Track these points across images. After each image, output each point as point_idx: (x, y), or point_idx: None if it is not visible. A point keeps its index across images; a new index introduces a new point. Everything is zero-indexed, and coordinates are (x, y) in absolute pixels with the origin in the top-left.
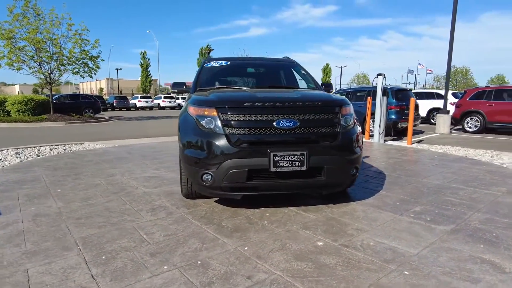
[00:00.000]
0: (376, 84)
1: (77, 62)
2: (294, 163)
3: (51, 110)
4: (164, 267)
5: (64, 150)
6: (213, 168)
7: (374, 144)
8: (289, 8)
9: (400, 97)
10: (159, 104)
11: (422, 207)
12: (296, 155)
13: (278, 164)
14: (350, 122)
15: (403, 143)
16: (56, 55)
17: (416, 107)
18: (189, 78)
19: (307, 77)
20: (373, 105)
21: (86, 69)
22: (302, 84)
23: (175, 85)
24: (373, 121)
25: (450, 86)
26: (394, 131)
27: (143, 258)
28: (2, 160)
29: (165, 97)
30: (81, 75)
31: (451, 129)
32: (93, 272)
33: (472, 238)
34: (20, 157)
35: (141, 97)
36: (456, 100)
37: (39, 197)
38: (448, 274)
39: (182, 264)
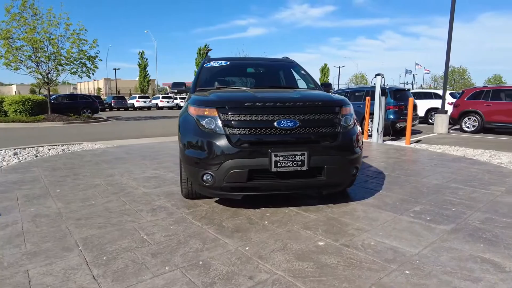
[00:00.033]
0: (375, 84)
1: (75, 62)
2: (295, 163)
3: (49, 110)
4: (166, 268)
5: (63, 150)
6: (213, 168)
7: (373, 144)
8: (287, 8)
9: (398, 97)
10: (157, 104)
11: (422, 207)
12: (297, 155)
13: (278, 164)
14: (350, 122)
15: (401, 143)
16: (54, 55)
17: (415, 107)
18: (187, 78)
19: (307, 77)
20: (372, 105)
21: (84, 69)
22: (302, 84)
23: (174, 85)
24: (372, 121)
25: (447, 86)
26: (393, 131)
27: (144, 259)
28: (0, 160)
29: (163, 97)
30: (79, 75)
31: (449, 129)
32: (94, 273)
33: (472, 237)
34: (18, 158)
35: (139, 97)
36: (454, 100)
37: (38, 197)
38: (449, 274)
39: (183, 264)
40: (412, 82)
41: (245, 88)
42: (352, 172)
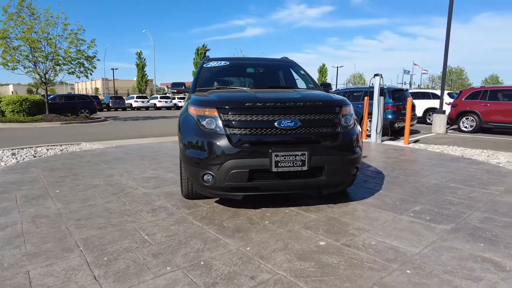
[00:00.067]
0: (373, 84)
1: (72, 62)
2: (295, 163)
3: (46, 111)
4: (167, 268)
5: (61, 150)
6: (214, 169)
7: (372, 144)
8: (284, 8)
9: (396, 97)
10: (155, 104)
11: (422, 207)
12: (297, 155)
13: (279, 164)
14: (351, 122)
15: (400, 143)
16: (52, 55)
17: (413, 107)
18: (185, 78)
19: (306, 78)
20: (370, 105)
21: (82, 69)
22: (301, 84)
23: (174, 85)
24: (370, 121)
25: (445, 86)
26: (391, 131)
27: (146, 259)
28: None
29: (161, 97)
30: (77, 75)
31: (447, 128)
32: (95, 274)
33: (472, 237)
34: (16, 158)
35: (137, 97)
36: (451, 100)
37: (37, 198)
38: (450, 273)
39: (185, 265)
40: (410, 82)
41: (245, 88)
42: (352, 172)
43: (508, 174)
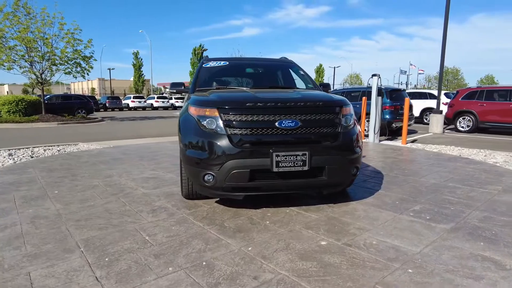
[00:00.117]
0: (371, 84)
1: (69, 62)
2: (296, 163)
3: (43, 111)
4: (169, 269)
5: (59, 151)
6: (215, 169)
7: (370, 144)
8: (282, 8)
9: (394, 97)
10: (152, 104)
11: (421, 206)
12: (298, 155)
13: (280, 164)
14: (351, 122)
15: (397, 143)
16: (48, 54)
17: (410, 107)
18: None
19: (306, 78)
20: (368, 105)
21: (78, 69)
22: (300, 84)
23: (173, 85)
24: (368, 121)
25: (441, 86)
26: (389, 131)
27: (147, 260)
28: None
29: (158, 97)
30: (73, 75)
31: (444, 128)
32: (97, 275)
33: (472, 236)
34: (14, 159)
35: (134, 97)
36: (448, 100)
37: (36, 199)
38: (451, 272)
39: (187, 265)
40: (407, 82)
41: (245, 88)
42: (352, 172)
43: (506, 174)
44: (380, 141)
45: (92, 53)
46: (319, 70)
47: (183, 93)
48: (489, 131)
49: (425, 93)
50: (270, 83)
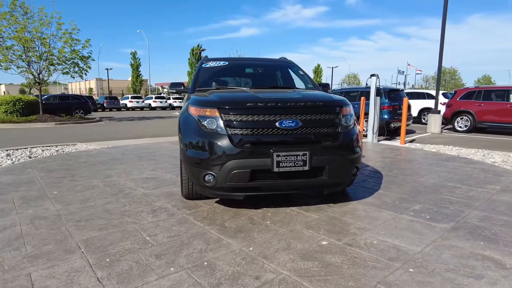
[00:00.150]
0: (369, 84)
1: (67, 62)
2: (297, 163)
3: (40, 111)
4: (171, 269)
5: (57, 151)
6: (215, 169)
7: (368, 144)
8: (279, 8)
9: (392, 97)
10: (150, 104)
11: (421, 206)
12: (299, 155)
13: (280, 164)
14: (351, 122)
15: (396, 143)
16: (46, 54)
17: (409, 107)
18: (180, 78)
19: (305, 78)
20: (367, 105)
21: (76, 69)
22: (300, 84)
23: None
24: (367, 121)
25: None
26: (387, 130)
27: (148, 260)
28: None
29: (156, 97)
30: (71, 75)
31: (442, 128)
32: (98, 275)
33: (472, 235)
34: (12, 159)
35: (132, 98)
36: (446, 100)
37: (35, 199)
38: (452, 271)
39: (188, 265)
40: (404, 82)
41: (245, 88)
42: (352, 172)
43: (504, 173)
44: (378, 141)
45: (90, 53)
46: (317, 70)
47: (182, 93)
48: (487, 131)
49: (423, 93)
50: (270, 83)
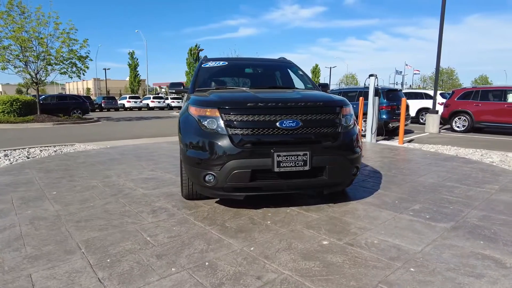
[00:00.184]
0: (367, 84)
1: (64, 62)
2: (297, 163)
3: (38, 111)
4: (172, 269)
5: (55, 151)
6: (216, 169)
7: (367, 143)
8: (278, 8)
9: (391, 97)
10: (148, 104)
11: (421, 205)
12: (299, 155)
13: (281, 164)
14: (351, 122)
15: (394, 143)
16: (43, 54)
17: (407, 107)
18: (178, 78)
19: (305, 78)
20: (365, 105)
21: (74, 69)
22: (299, 84)
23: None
24: (365, 121)
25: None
26: (385, 130)
27: (150, 261)
28: None
29: (154, 98)
30: (69, 75)
31: (440, 128)
32: (99, 276)
33: (472, 234)
34: (9, 159)
35: (129, 98)
36: (444, 100)
37: (34, 200)
38: (453, 270)
39: (190, 265)
40: (402, 82)
41: (244, 88)
42: (352, 172)
43: (502, 173)
44: (377, 141)
45: (88, 53)
46: (315, 70)
47: (181, 94)
48: (485, 131)
49: (421, 93)
50: (269, 83)
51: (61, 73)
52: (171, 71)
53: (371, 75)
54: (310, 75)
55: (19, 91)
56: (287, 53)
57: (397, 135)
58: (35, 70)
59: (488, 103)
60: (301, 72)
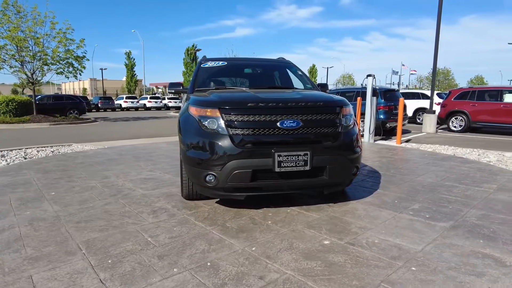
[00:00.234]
0: (364, 84)
1: (61, 62)
2: (298, 163)
3: (34, 111)
4: (174, 270)
5: (52, 152)
6: (216, 169)
7: (365, 143)
8: (274, 9)
9: (388, 97)
10: (145, 104)
11: (420, 205)
12: (300, 155)
13: (282, 164)
14: (351, 122)
15: (392, 143)
16: (39, 54)
17: (404, 107)
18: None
19: (304, 78)
20: (363, 105)
21: (71, 69)
22: (299, 84)
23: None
24: (363, 121)
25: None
26: (383, 130)
27: (151, 261)
28: None
29: (151, 98)
30: (65, 76)
31: (437, 128)
32: (101, 277)
33: (471, 233)
34: (6, 160)
35: (126, 98)
36: (440, 100)
37: (33, 200)
38: (454, 269)
39: (191, 266)
40: (399, 82)
41: (244, 89)
42: (352, 172)
43: (499, 172)
44: (375, 141)
45: (85, 53)
46: (312, 71)
47: (179, 94)
48: (481, 131)
49: (418, 93)
50: (269, 83)
51: (57, 73)
52: (168, 71)
53: (369, 75)
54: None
55: (14, 91)
56: (285, 53)
57: (395, 135)
58: (31, 70)
59: (484, 103)
60: (300, 72)
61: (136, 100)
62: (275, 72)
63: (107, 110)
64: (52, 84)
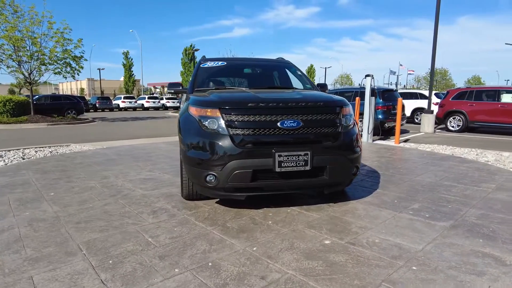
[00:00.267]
0: (363, 84)
1: (59, 61)
2: (298, 163)
3: (31, 111)
4: (175, 270)
5: (50, 152)
6: (217, 169)
7: (363, 143)
8: (272, 9)
9: (386, 97)
10: (143, 104)
11: (420, 204)
12: (300, 155)
13: (282, 164)
14: (350, 122)
15: (390, 142)
16: (37, 54)
17: (403, 107)
18: (173, 78)
19: (303, 78)
20: (362, 105)
21: (68, 69)
22: (298, 84)
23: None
24: (362, 121)
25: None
26: (381, 130)
27: (152, 262)
28: None
29: (149, 98)
30: (63, 76)
31: (435, 128)
32: (102, 278)
33: (471, 233)
34: (4, 160)
35: (124, 98)
36: (438, 100)
37: (32, 201)
38: (454, 268)
39: (193, 266)
40: (396, 82)
41: (244, 89)
42: (352, 171)
43: (498, 172)
44: (373, 141)
45: (83, 53)
46: (310, 71)
47: (178, 94)
48: (479, 131)
49: (416, 93)
50: (268, 83)
51: (55, 73)
52: (165, 71)
53: (367, 76)
54: None
55: (11, 91)
56: (283, 53)
57: (393, 135)
58: (29, 70)
59: (482, 103)
60: (299, 72)
61: (134, 100)
62: (274, 72)
63: (105, 110)
64: (49, 84)
